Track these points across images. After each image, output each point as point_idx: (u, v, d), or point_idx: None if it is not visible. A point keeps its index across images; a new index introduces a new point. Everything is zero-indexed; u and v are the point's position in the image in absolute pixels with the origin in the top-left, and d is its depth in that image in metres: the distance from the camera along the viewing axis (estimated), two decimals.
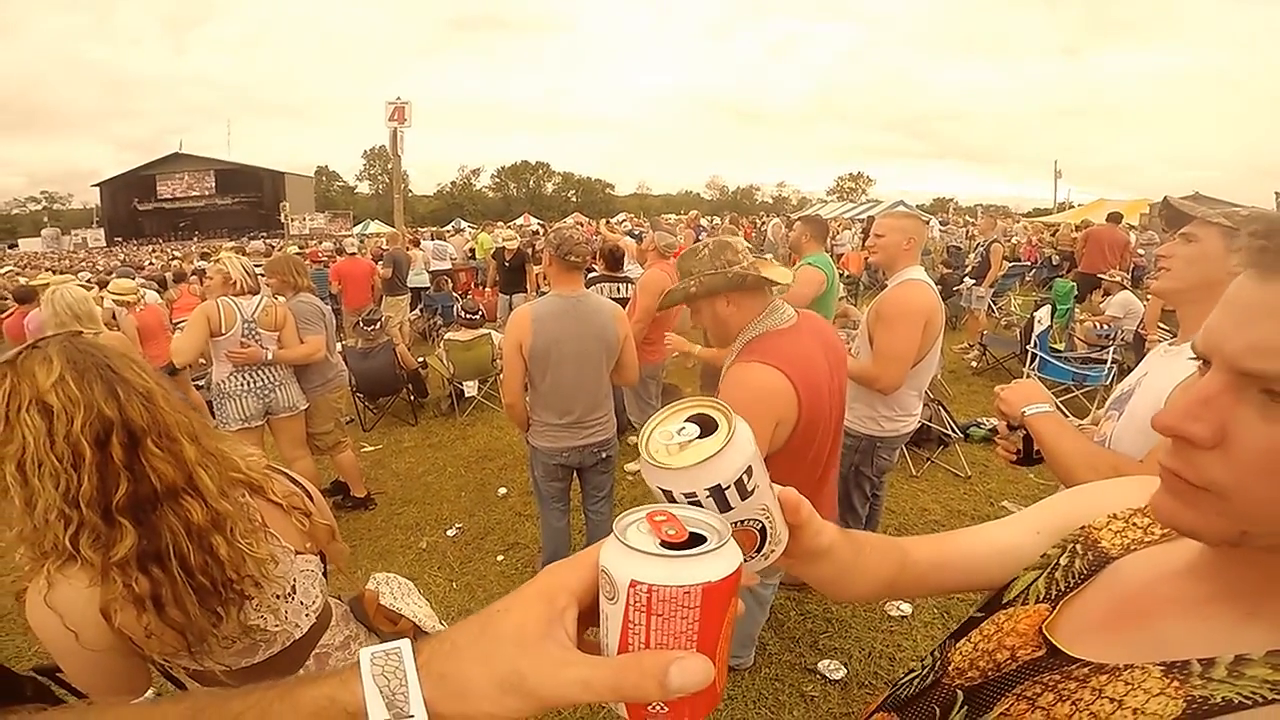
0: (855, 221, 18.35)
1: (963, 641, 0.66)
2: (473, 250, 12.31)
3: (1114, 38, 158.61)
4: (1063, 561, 0.64)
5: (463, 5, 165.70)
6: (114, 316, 4.94)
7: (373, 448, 4.99)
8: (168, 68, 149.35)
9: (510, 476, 4.27)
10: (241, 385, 3.25)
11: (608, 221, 16.48)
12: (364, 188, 77.10)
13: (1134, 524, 0.63)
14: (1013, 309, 8.59)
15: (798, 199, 76.68)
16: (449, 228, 25.87)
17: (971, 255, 8.74)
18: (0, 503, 0.90)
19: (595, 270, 4.41)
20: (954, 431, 4.23)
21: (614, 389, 2.78)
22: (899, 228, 2.45)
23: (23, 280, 7.65)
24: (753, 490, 0.47)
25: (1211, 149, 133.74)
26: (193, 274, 9.35)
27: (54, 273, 9.97)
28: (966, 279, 8.01)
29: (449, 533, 3.63)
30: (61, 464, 0.87)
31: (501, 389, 2.71)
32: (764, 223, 18.42)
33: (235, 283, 3.27)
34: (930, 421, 4.16)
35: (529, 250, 8.42)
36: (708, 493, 0.45)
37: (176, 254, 20.53)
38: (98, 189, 59.09)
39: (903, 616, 2.74)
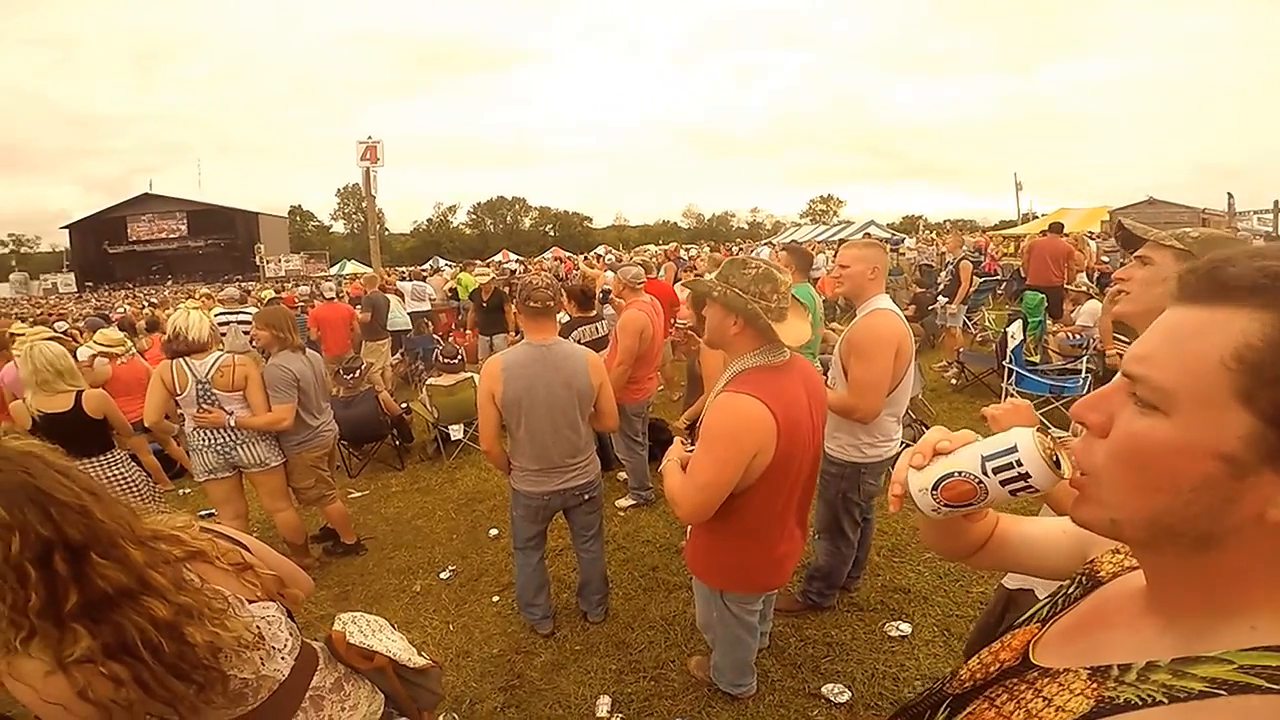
0: (828, 245, 18.63)
1: (974, 658, 0.72)
2: (454, 290, 12.23)
3: (1058, 51, 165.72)
4: (1069, 591, 0.70)
5: (431, 41, 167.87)
6: (91, 364, 4.77)
7: (360, 493, 4.94)
8: (135, 105, 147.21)
9: (501, 518, 4.23)
10: (202, 440, 3.27)
11: (585, 257, 16.54)
12: (339, 227, 76.28)
13: (1124, 550, 0.68)
14: (987, 324, 8.73)
15: (771, 223, 77.74)
16: (426, 266, 25.83)
17: (943, 273, 8.91)
18: None
19: (568, 315, 4.43)
20: None
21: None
22: (863, 258, 2.47)
23: None
24: (1015, 493, 0.67)
25: (1162, 152, 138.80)
26: None
27: (24, 321, 9.43)
28: (940, 297, 8.17)
29: (442, 575, 3.60)
30: (6, 582, 0.91)
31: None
32: (741, 249, 18.68)
33: (183, 339, 3.20)
34: (914, 443, 4.21)
35: (506, 289, 8.38)
36: (1026, 470, 0.64)
37: (152, 300, 20.11)
38: (66, 231, 56.29)
39: (903, 636, 2.73)
